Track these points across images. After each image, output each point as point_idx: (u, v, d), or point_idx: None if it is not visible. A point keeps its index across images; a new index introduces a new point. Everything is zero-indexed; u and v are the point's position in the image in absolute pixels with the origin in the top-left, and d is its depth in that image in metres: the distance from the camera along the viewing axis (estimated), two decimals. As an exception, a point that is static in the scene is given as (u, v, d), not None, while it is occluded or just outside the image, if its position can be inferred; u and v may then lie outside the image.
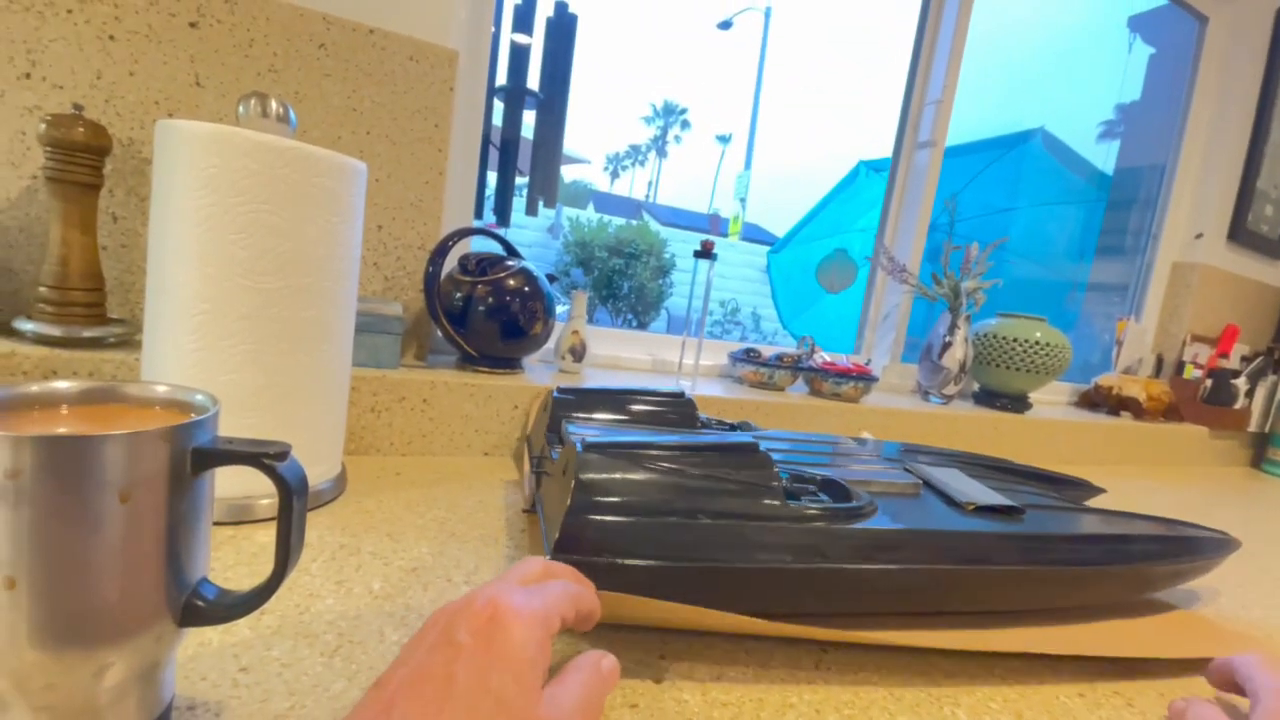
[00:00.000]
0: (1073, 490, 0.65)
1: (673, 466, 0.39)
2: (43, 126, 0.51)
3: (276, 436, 0.44)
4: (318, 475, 0.49)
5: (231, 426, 0.43)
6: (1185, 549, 0.49)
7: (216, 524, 0.43)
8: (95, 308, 0.56)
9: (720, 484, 0.39)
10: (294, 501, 0.24)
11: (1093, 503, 0.64)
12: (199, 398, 0.27)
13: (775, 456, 0.50)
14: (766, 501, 0.39)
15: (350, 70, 0.63)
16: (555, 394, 0.59)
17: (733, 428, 0.64)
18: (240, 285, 0.41)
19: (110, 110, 0.57)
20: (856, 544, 0.39)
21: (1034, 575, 0.43)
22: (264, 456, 0.24)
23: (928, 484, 0.51)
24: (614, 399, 0.60)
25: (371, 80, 0.64)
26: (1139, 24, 1.65)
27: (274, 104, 0.45)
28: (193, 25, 0.58)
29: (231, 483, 0.42)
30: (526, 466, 0.58)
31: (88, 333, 0.54)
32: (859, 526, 0.40)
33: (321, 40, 0.62)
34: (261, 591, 0.25)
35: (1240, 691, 0.37)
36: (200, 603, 0.25)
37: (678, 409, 0.61)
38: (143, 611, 0.24)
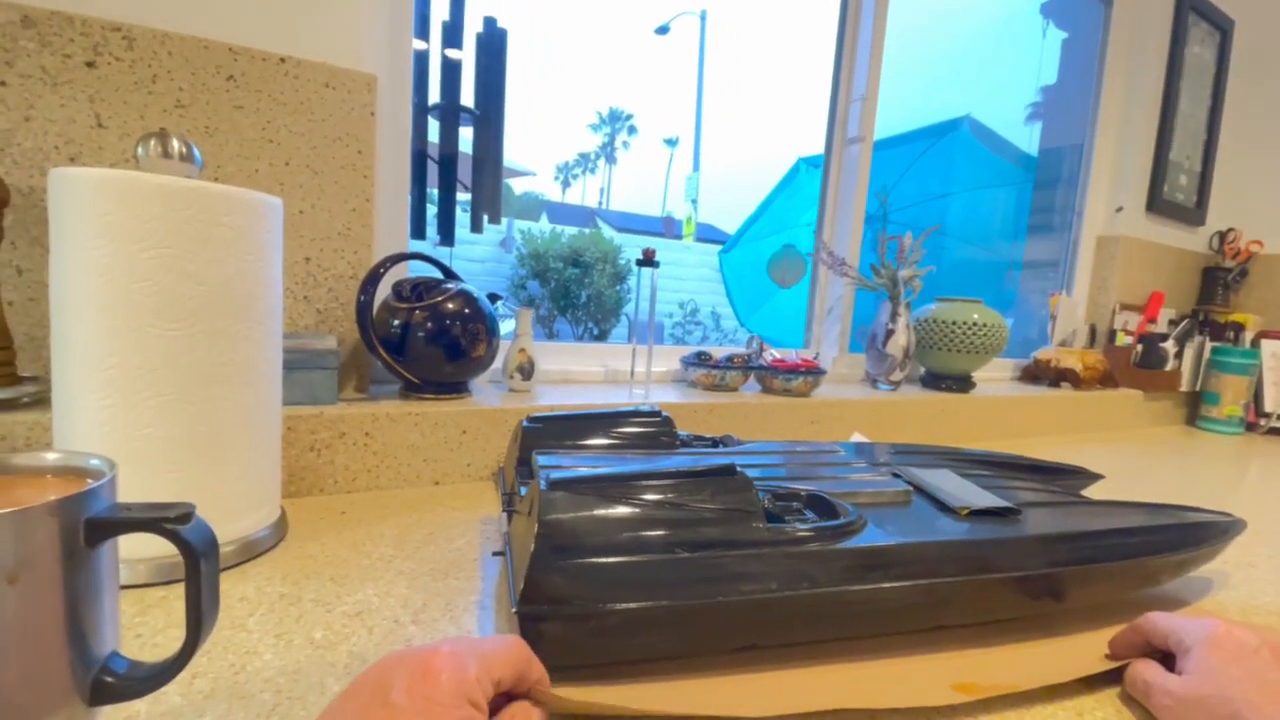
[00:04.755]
0: (1069, 479, 0.63)
1: (645, 499, 0.37)
2: (-72, 181, 0.48)
3: (203, 489, 0.43)
4: (253, 523, 0.47)
5: (153, 484, 0.41)
6: (1189, 536, 0.47)
7: (145, 586, 0.41)
8: (4, 367, 0.53)
9: (696, 513, 0.37)
10: (202, 565, 0.23)
11: (1090, 490, 0.62)
12: (94, 462, 0.25)
13: (757, 472, 0.47)
14: (747, 527, 0.37)
15: (263, 101, 0.62)
16: (525, 423, 0.56)
17: (715, 443, 0.62)
18: (151, 334, 0.40)
19: (6, 159, 0.54)
20: (845, 564, 0.37)
21: (1034, 580, 0.41)
22: (164, 521, 0.23)
23: (919, 489, 0.49)
24: (588, 424, 0.57)
25: (286, 110, 0.63)
26: (1050, 10, 1.72)
27: (175, 143, 0.43)
28: (90, 65, 0.56)
29: (157, 541, 0.40)
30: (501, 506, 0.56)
31: (-4, 394, 0.51)
32: (847, 545, 0.38)
33: (230, 72, 0.60)
34: (175, 662, 0.24)
35: (1150, 653, 0.38)
36: (110, 679, 0.24)
37: (655, 428, 0.59)
38: (46, 695, 0.23)
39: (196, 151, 0.44)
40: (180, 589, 0.42)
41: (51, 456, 0.26)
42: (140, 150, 0.42)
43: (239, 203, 0.43)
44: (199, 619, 0.24)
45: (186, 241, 0.40)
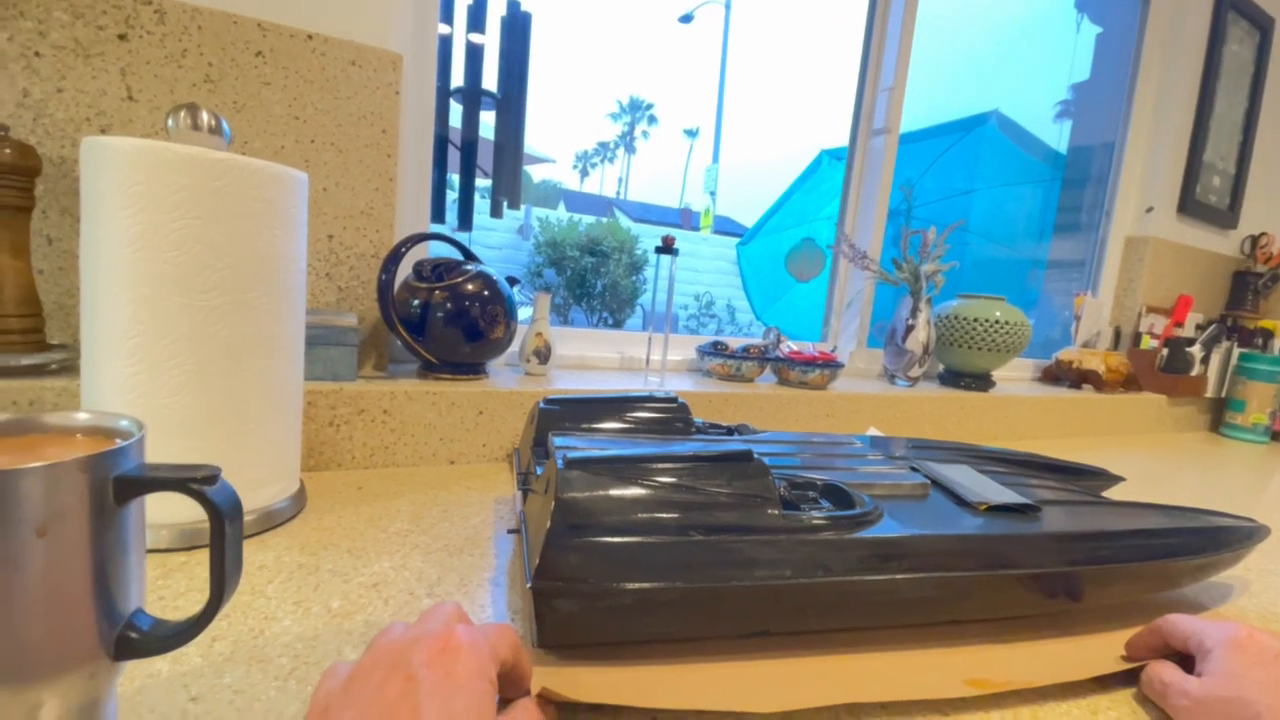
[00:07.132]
0: (1090, 480, 0.63)
1: (661, 480, 0.37)
2: (-35, 149, 0.49)
3: (225, 457, 0.44)
4: (273, 494, 0.48)
5: (177, 450, 0.42)
6: (1211, 540, 0.47)
7: (168, 551, 0.42)
8: (33, 334, 0.54)
9: (712, 497, 0.37)
10: (226, 526, 0.24)
11: (1111, 492, 0.61)
12: (123, 423, 0.26)
13: (773, 461, 0.47)
14: (763, 513, 0.37)
15: (290, 78, 0.62)
16: (542, 405, 0.57)
17: (730, 431, 0.62)
18: (177, 304, 0.40)
19: (40, 129, 0.55)
20: (861, 554, 0.37)
21: (1051, 577, 0.40)
22: (190, 481, 0.23)
23: (936, 483, 0.49)
24: (604, 408, 0.58)
25: (313, 87, 0.63)
26: (1085, 4, 1.68)
27: (205, 115, 0.43)
28: (122, 37, 0.56)
29: (180, 508, 0.41)
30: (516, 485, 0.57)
31: (26, 360, 0.52)
32: (863, 535, 0.38)
33: (258, 48, 0.60)
34: (198, 621, 0.24)
35: (1171, 655, 0.37)
36: (134, 635, 0.24)
37: (671, 414, 0.59)
38: (72, 648, 0.23)
39: (225, 125, 0.44)
40: (202, 555, 0.43)
41: (82, 416, 0.26)
42: (170, 122, 0.43)
43: (267, 176, 0.43)
44: (222, 579, 0.24)
45: (214, 213, 0.41)
